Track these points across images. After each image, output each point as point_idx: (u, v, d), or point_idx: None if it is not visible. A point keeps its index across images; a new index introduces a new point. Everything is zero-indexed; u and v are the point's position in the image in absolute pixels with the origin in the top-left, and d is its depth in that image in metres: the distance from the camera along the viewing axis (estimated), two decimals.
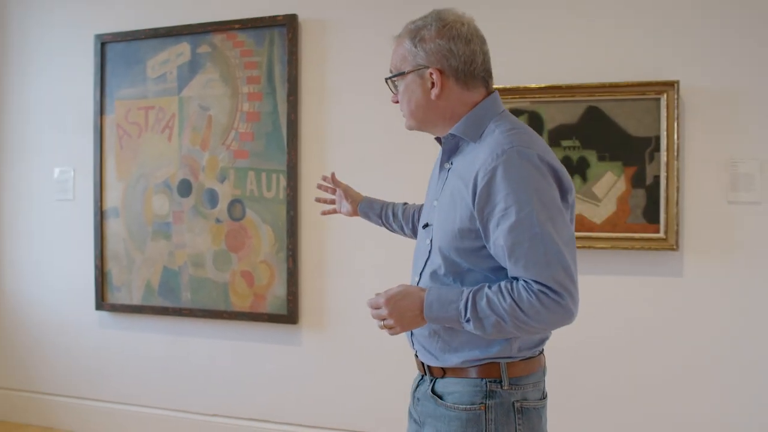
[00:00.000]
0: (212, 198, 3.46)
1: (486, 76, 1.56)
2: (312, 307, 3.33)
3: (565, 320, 1.38)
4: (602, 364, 2.93)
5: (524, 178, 1.37)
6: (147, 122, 3.59)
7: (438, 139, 1.62)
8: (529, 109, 2.98)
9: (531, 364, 1.53)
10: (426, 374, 1.60)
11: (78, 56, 3.79)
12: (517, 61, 3.00)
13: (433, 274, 1.54)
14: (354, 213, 2.13)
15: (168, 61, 3.54)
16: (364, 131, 3.23)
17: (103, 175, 3.69)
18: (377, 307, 1.49)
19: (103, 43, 3.67)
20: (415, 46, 1.52)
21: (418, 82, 1.52)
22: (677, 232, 2.80)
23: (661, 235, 2.82)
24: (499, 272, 1.45)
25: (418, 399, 1.63)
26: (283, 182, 3.31)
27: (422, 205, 1.98)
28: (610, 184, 2.90)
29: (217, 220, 3.45)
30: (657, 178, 2.83)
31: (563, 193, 1.43)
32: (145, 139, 3.60)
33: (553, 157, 1.45)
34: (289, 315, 3.31)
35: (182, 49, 3.51)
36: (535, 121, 2.97)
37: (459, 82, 1.51)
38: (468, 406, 1.48)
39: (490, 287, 1.40)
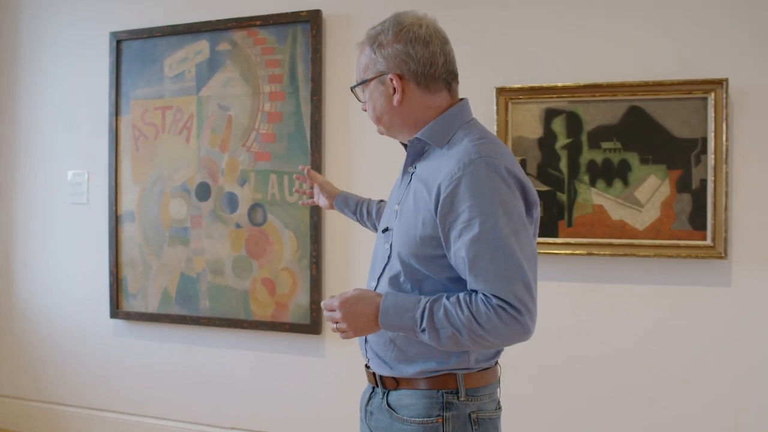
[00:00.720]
0: (232, 202, 3.32)
1: (449, 78, 1.53)
2: None
3: (521, 336, 1.35)
4: (644, 376, 2.77)
5: (490, 190, 1.34)
6: (164, 123, 3.46)
7: (404, 144, 1.62)
8: (567, 109, 2.83)
9: (487, 375, 1.52)
10: (378, 386, 1.57)
11: (92, 55, 3.67)
12: (553, 58, 2.86)
13: (392, 280, 1.50)
14: (330, 207, 2.19)
15: (186, 60, 3.40)
16: None
17: (119, 177, 3.56)
18: (331, 310, 1.45)
19: (119, 41, 3.54)
20: (374, 53, 1.50)
21: (381, 89, 1.51)
22: (725, 240, 2.64)
23: (708, 242, 2.66)
24: (458, 282, 1.42)
25: (371, 413, 1.59)
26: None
27: None
28: (653, 189, 2.74)
29: (237, 225, 3.31)
30: (704, 182, 2.67)
31: (528, 207, 1.41)
32: (162, 141, 3.47)
33: (520, 169, 1.43)
34: (312, 325, 3.17)
35: (201, 47, 3.38)
36: (573, 122, 2.82)
37: (420, 86, 1.49)
38: (425, 419, 1.46)
39: (448, 298, 1.37)
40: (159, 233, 3.47)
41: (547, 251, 2.83)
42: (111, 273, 3.57)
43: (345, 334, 1.46)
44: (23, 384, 3.88)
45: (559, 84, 2.81)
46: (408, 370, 1.49)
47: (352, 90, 1.60)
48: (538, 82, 2.85)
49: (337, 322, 1.45)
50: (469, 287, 1.38)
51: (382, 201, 2.09)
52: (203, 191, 3.38)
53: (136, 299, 3.54)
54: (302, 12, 3.16)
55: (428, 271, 1.44)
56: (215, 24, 3.33)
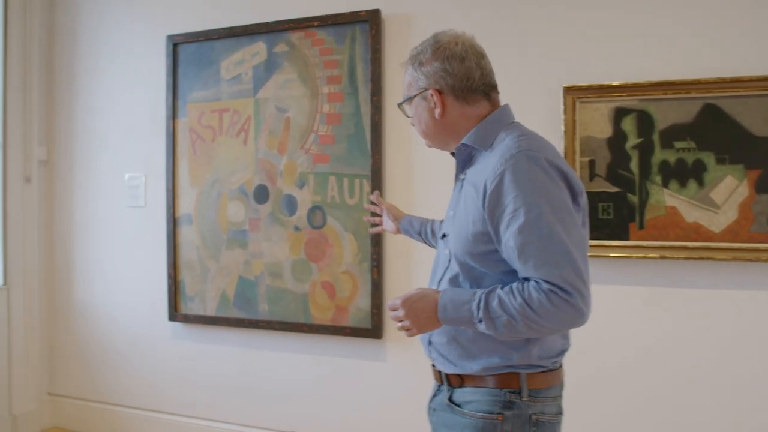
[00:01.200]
0: (290, 204, 3.29)
1: (486, 89, 1.61)
2: None
3: (575, 320, 1.39)
4: (721, 385, 2.66)
5: (532, 181, 1.41)
6: (221, 125, 3.44)
7: (452, 154, 1.69)
8: (638, 107, 2.73)
9: (551, 377, 1.55)
10: (443, 384, 1.63)
11: (149, 58, 3.68)
12: (623, 55, 2.76)
13: (452, 281, 1.58)
14: (397, 231, 2.29)
15: (243, 62, 3.38)
16: None
17: (176, 180, 3.56)
18: (395, 309, 1.54)
19: (175, 44, 3.54)
20: (416, 71, 1.62)
21: (423, 104, 1.62)
22: None
23: None
24: (512, 275, 1.48)
25: (433, 409, 1.67)
26: (366, 188, 3.12)
27: None
28: (730, 190, 2.63)
29: (296, 228, 3.28)
30: None
31: (574, 195, 1.48)
32: (219, 144, 3.46)
33: (563, 161, 1.50)
34: (373, 329, 3.13)
35: (258, 49, 3.35)
36: (644, 121, 2.72)
37: (459, 99, 1.59)
38: (485, 414, 1.51)
39: (502, 288, 1.44)
40: (217, 236, 3.47)
41: (617, 254, 2.74)
42: (169, 276, 3.57)
43: (409, 331, 1.54)
44: (82, 384, 3.92)
45: (630, 82, 2.72)
46: (472, 367, 1.54)
47: (399, 106, 1.73)
48: (607, 80, 2.76)
49: (401, 320, 1.53)
50: (520, 275, 1.44)
51: (443, 220, 2.13)
52: (261, 194, 3.35)
53: (194, 302, 3.54)
54: (361, 12, 3.11)
55: (484, 268, 1.51)
56: (272, 25, 3.30)
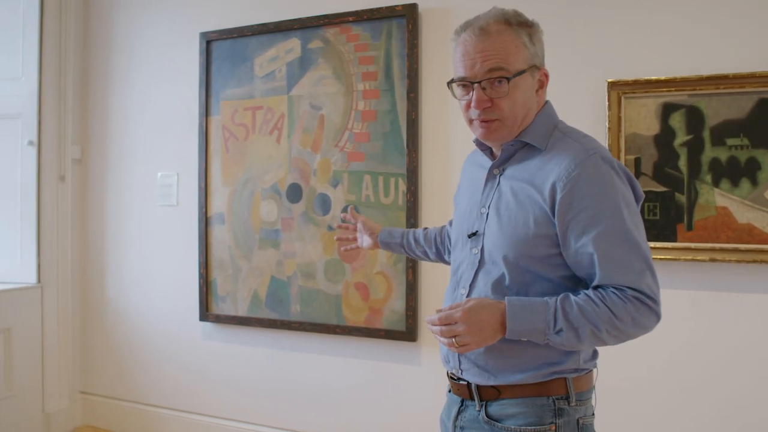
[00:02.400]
0: (324, 204, 3.23)
1: None
2: None
3: (653, 324, 1.37)
4: (763, 388, 2.54)
5: (610, 185, 1.36)
6: (254, 123, 3.40)
7: (480, 145, 1.58)
8: (687, 103, 2.61)
9: (590, 379, 1.50)
10: (474, 398, 1.49)
11: (182, 55, 3.65)
12: (671, 48, 2.64)
13: (495, 285, 1.45)
14: (375, 245, 2.12)
15: (277, 58, 3.33)
16: None
17: (208, 179, 3.53)
18: (451, 323, 1.37)
19: (209, 42, 3.50)
20: (534, 44, 1.46)
21: (530, 82, 1.45)
22: None
23: None
24: (571, 281, 1.42)
25: (461, 428, 1.53)
26: (402, 187, 3.04)
27: (443, 227, 2.04)
28: None
29: (330, 228, 3.22)
30: None
31: (636, 200, 1.43)
32: (252, 142, 3.41)
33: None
34: (407, 331, 3.04)
35: (292, 45, 3.30)
36: (694, 117, 2.60)
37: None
38: (537, 428, 1.41)
39: (574, 295, 1.36)
40: (249, 235, 3.42)
41: (664, 257, 2.62)
42: (200, 275, 3.54)
43: (466, 347, 1.38)
44: (114, 383, 3.90)
45: (678, 76, 2.60)
46: (516, 377, 1.43)
47: (494, 81, 1.41)
48: (654, 74, 2.65)
49: (456, 335, 1.36)
50: (597, 282, 1.36)
51: (426, 228, 2.09)
52: (294, 193, 3.30)
53: (225, 302, 3.49)
54: (397, 6, 3.03)
55: (541, 271, 1.42)
56: (306, 21, 3.24)
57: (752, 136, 2.53)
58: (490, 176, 1.53)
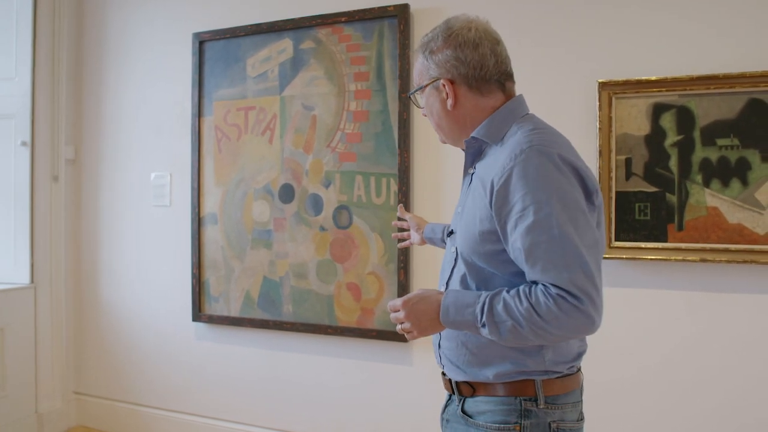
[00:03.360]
0: (316, 204, 3.23)
1: (502, 78, 1.52)
2: None
3: (585, 327, 1.29)
4: (755, 389, 2.53)
5: (543, 177, 1.32)
6: (247, 124, 3.40)
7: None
8: (678, 103, 2.61)
9: (568, 382, 1.47)
10: (454, 393, 1.55)
11: (175, 56, 3.65)
12: (661, 48, 2.64)
13: (462, 282, 1.49)
14: (422, 241, 2.21)
15: (269, 59, 3.33)
16: None
17: (201, 179, 3.52)
18: (396, 310, 1.46)
19: (201, 42, 3.50)
20: (427, 60, 1.52)
21: (435, 94, 1.53)
22: None
23: None
24: (521, 277, 1.39)
25: (447, 420, 1.59)
26: (393, 187, 3.04)
27: None
28: None
29: (322, 228, 3.22)
30: None
31: (588, 194, 1.38)
32: (244, 142, 3.41)
33: (577, 156, 1.41)
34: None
35: (284, 46, 3.30)
36: (684, 118, 2.60)
37: (472, 89, 1.49)
38: (501, 425, 1.43)
39: (508, 291, 1.35)
40: (242, 236, 3.42)
41: (655, 257, 2.62)
42: (193, 275, 3.53)
43: (410, 334, 1.46)
44: (107, 384, 3.90)
45: (669, 76, 2.60)
46: (483, 374, 1.46)
47: (409, 97, 1.65)
48: (645, 74, 2.65)
49: (402, 322, 1.45)
50: (528, 278, 1.34)
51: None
52: (287, 193, 3.30)
53: (218, 302, 3.49)
54: (389, 6, 3.03)
55: (492, 268, 1.43)
56: (299, 22, 3.24)
57: (742, 136, 2.53)
58: (466, 175, 1.58)
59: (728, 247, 2.54)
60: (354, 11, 3.11)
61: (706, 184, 2.57)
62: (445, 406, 1.61)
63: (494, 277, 1.44)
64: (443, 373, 1.61)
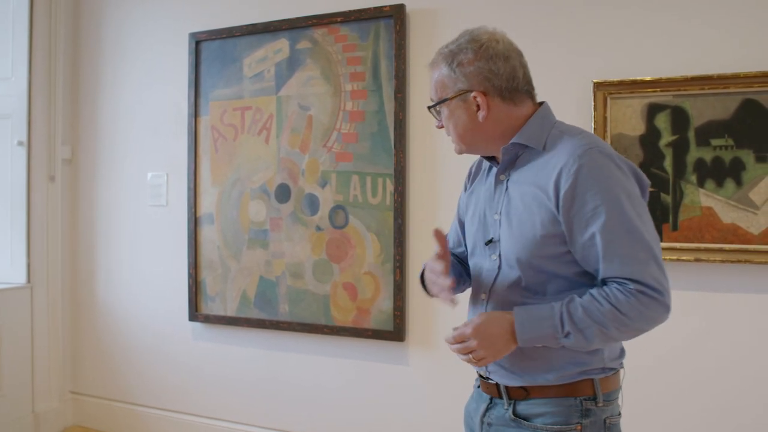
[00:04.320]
0: (312, 204, 3.23)
1: (529, 88, 1.55)
2: (421, 324, 3.05)
3: (663, 317, 1.39)
4: (759, 391, 2.54)
5: (609, 178, 1.38)
6: (243, 124, 3.40)
7: (488, 158, 1.64)
8: (672, 103, 2.62)
9: (617, 378, 1.53)
10: (501, 397, 1.54)
11: (171, 56, 3.65)
12: (656, 49, 2.65)
13: (512, 287, 1.49)
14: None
15: (265, 59, 3.34)
16: None
17: (198, 179, 3.53)
18: (462, 341, 1.45)
19: (198, 42, 3.51)
20: (454, 72, 1.51)
21: (462, 106, 1.52)
22: None
23: None
24: (585, 277, 1.44)
25: (489, 424, 1.57)
26: (390, 187, 3.05)
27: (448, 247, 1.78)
28: None
29: (318, 228, 3.22)
30: None
31: (642, 190, 1.45)
32: (241, 142, 3.41)
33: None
34: (395, 331, 3.05)
35: (280, 46, 3.30)
36: (679, 118, 2.61)
37: (505, 100, 1.51)
38: (563, 427, 1.44)
39: (579, 297, 1.39)
40: (238, 236, 3.42)
41: None
42: (190, 275, 3.54)
43: (483, 360, 1.45)
44: (104, 383, 3.91)
45: (664, 77, 2.61)
46: (543, 377, 1.47)
47: (429, 110, 1.60)
48: (639, 75, 2.65)
49: (471, 351, 1.44)
50: (601, 275, 1.39)
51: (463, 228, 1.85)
52: (283, 193, 3.30)
53: (214, 302, 3.50)
54: (385, 7, 3.04)
55: (555, 270, 1.45)
56: (295, 22, 3.25)
57: (737, 136, 2.54)
58: (498, 182, 1.57)
59: (722, 247, 2.55)
60: (350, 11, 3.12)
61: (701, 184, 2.58)
62: (486, 410, 1.59)
63: (554, 279, 1.46)
64: (483, 378, 1.60)
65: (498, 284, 1.52)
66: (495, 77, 1.49)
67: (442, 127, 1.60)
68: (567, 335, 1.37)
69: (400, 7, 3.01)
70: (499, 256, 1.52)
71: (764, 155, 2.51)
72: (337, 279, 3.18)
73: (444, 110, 1.56)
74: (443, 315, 3.00)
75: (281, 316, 3.31)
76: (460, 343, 1.45)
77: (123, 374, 3.84)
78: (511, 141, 1.51)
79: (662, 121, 2.63)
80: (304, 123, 3.25)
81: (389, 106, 3.05)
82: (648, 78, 2.63)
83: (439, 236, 1.58)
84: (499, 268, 1.52)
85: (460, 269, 1.76)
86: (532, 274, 1.46)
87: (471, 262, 1.66)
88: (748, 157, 2.52)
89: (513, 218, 1.50)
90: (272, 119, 3.32)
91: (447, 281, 1.51)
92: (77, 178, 3.97)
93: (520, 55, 1.54)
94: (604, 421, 1.47)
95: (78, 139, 3.96)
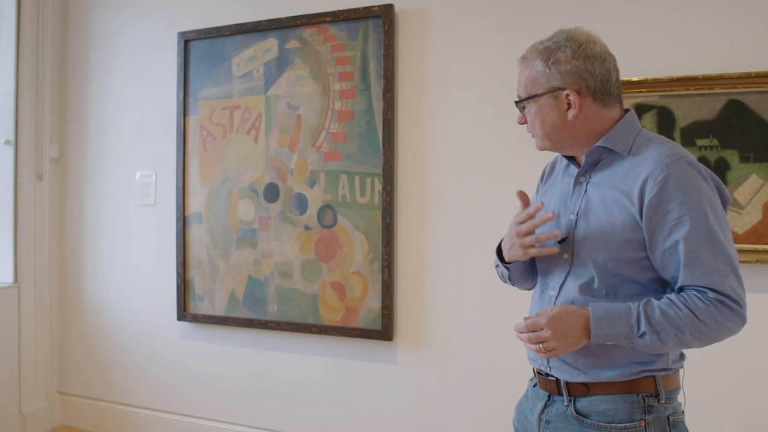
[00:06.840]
0: (301, 203, 3.24)
1: (619, 93, 1.57)
2: (409, 323, 3.06)
3: (738, 328, 1.41)
4: (747, 390, 2.56)
5: (696, 188, 1.39)
6: (232, 123, 3.40)
7: (569, 158, 1.64)
8: (658, 104, 2.64)
9: (677, 377, 1.54)
10: (560, 394, 1.54)
11: (160, 55, 3.65)
12: (642, 50, 2.67)
13: (583, 287, 1.50)
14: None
15: (254, 58, 3.34)
16: (467, 131, 2.95)
17: (186, 179, 3.52)
18: (536, 329, 1.46)
19: (187, 41, 3.50)
20: (549, 68, 1.52)
21: (553, 104, 1.53)
22: None
23: None
24: (658, 283, 1.46)
25: (546, 422, 1.57)
26: (378, 186, 3.06)
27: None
28: (754, 189, 2.53)
29: (307, 227, 3.23)
30: None
31: (724, 204, 1.47)
32: (229, 141, 3.41)
33: None
34: (383, 330, 3.06)
35: (269, 45, 3.30)
36: (665, 118, 2.63)
37: (597, 102, 1.52)
38: (627, 424, 1.45)
39: (657, 300, 1.41)
40: (227, 235, 3.42)
41: None
42: (178, 275, 3.53)
43: (553, 352, 1.46)
44: (91, 383, 3.89)
45: (650, 77, 2.63)
46: (606, 374, 1.48)
47: (516, 104, 1.60)
48: (626, 75, 2.65)
49: (543, 341, 1.45)
50: (680, 283, 1.41)
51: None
52: (272, 192, 3.30)
53: (203, 302, 3.49)
54: (374, 7, 3.05)
55: (629, 274, 1.46)
56: (284, 21, 3.25)
57: (721, 136, 2.56)
58: (577, 183, 1.58)
59: None
60: (339, 11, 3.12)
61: None
62: (544, 407, 1.59)
63: (627, 283, 1.47)
64: (541, 374, 1.60)
65: (568, 283, 1.54)
66: (590, 77, 1.50)
67: (524, 122, 1.60)
68: (642, 335, 1.39)
69: (389, 7, 3.02)
70: (572, 255, 1.53)
71: (748, 155, 2.53)
72: (325, 278, 3.19)
73: (532, 106, 1.56)
74: (432, 314, 3.01)
75: (270, 315, 3.31)
76: (532, 332, 1.46)
77: (111, 374, 3.83)
78: (596, 144, 1.52)
79: (648, 122, 2.65)
80: (292, 122, 3.25)
81: (378, 106, 3.06)
82: (635, 78, 2.65)
83: (522, 197, 1.62)
84: (570, 266, 1.54)
85: (525, 265, 1.75)
86: (606, 276, 1.48)
87: (539, 260, 1.66)
88: (732, 157, 2.55)
89: (591, 220, 1.51)
90: (261, 118, 3.33)
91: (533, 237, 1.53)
92: (65, 178, 3.96)
93: (614, 59, 1.56)
94: (668, 418, 1.47)
95: (66, 138, 3.95)
